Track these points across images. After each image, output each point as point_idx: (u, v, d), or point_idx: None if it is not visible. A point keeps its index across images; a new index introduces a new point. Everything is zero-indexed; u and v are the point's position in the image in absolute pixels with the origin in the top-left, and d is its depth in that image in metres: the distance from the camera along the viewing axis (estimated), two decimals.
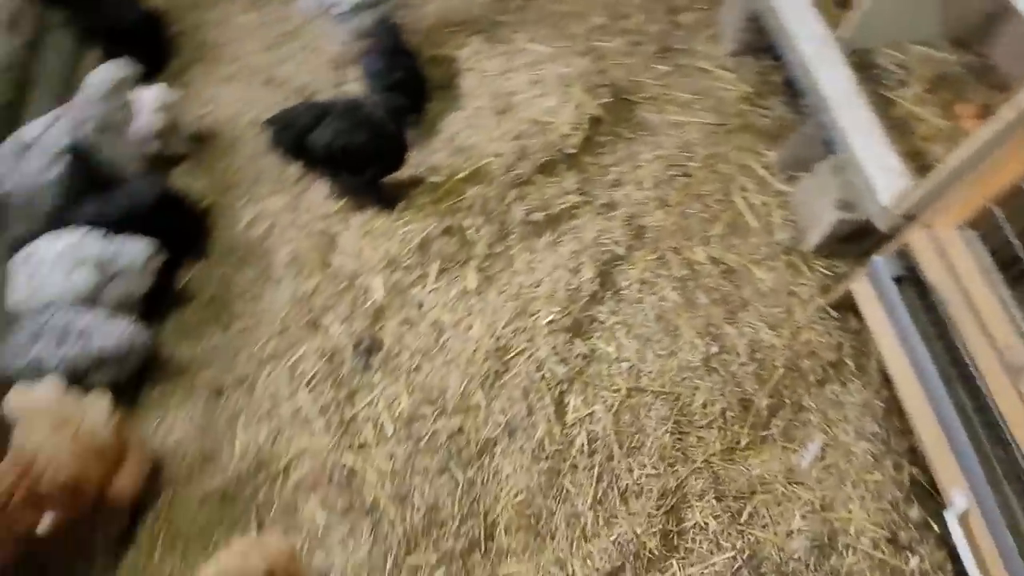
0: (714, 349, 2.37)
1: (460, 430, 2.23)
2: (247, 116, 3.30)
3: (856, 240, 2.50)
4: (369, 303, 2.53)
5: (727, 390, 2.28)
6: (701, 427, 2.22)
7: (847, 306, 2.39)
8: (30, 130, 2.59)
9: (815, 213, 2.56)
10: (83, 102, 2.63)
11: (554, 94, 3.07)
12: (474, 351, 2.37)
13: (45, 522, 1.82)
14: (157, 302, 2.57)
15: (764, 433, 2.21)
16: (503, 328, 2.42)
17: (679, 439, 2.20)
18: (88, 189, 2.59)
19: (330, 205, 2.88)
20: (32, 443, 1.79)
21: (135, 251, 2.37)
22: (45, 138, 2.55)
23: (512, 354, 2.37)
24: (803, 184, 2.69)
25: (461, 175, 2.88)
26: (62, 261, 2.23)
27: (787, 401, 2.26)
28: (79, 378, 2.14)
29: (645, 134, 3.09)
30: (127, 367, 2.27)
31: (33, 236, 2.38)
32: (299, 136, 2.52)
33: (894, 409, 2.19)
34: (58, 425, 1.81)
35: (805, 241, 2.63)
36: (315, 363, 2.42)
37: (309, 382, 2.38)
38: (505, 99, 3.15)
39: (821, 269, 2.58)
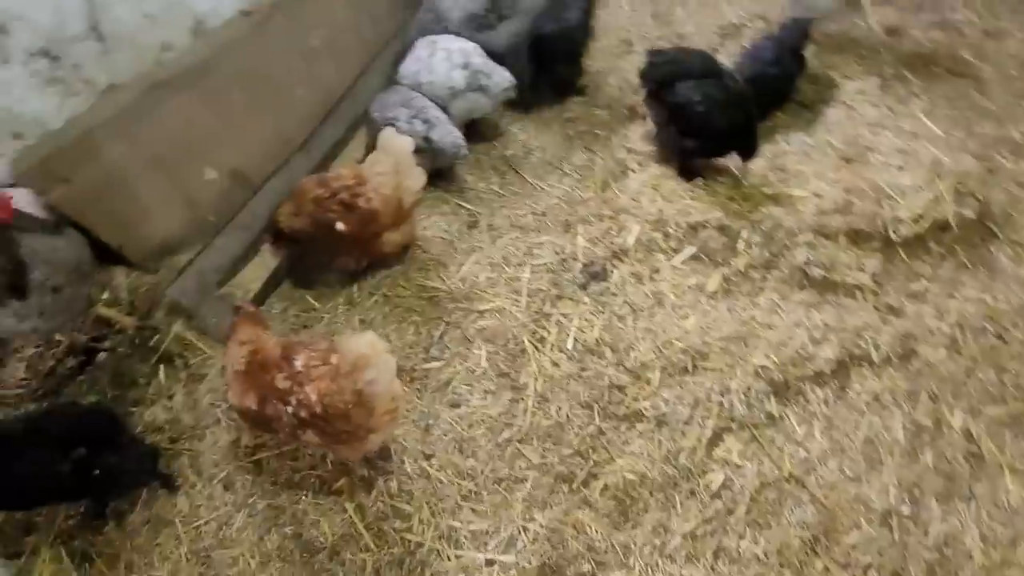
0: (904, 510, 2.10)
1: (622, 388, 2.31)
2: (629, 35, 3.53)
3: None
4: (619, 240, 2.66)
5: (888, 553, 2.03)
6: (837, 562, 2.02)
7: None
8: None
9: None
10: None
11: (916, 175, 2.77)
12: (677, 338, 2.39)
13: (341, 226, 2.35)
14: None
15: None
16: (714, 337, 2.40)
17: (808, 553, 2.03)
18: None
19: (641, 144, 3.00)
20: (373, 168, 2.30)
21: (502, 79, 2.80)
22: None
23: (708, 365, 2.35)
24: None
25: (769, 190, 2.79)
26: (452, 57, 2.73)
27: None
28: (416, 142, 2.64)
29: (984, 272, 2.66)
30: (441, 163, 2.75)
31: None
32: (671, 77, 2.64)
33: None
34: (393, 171, 2.30)
35: None
36: (548, 255, 2.65)
37: (535, 266, 2.62)
38: (860, 150, 2.92)
39: None
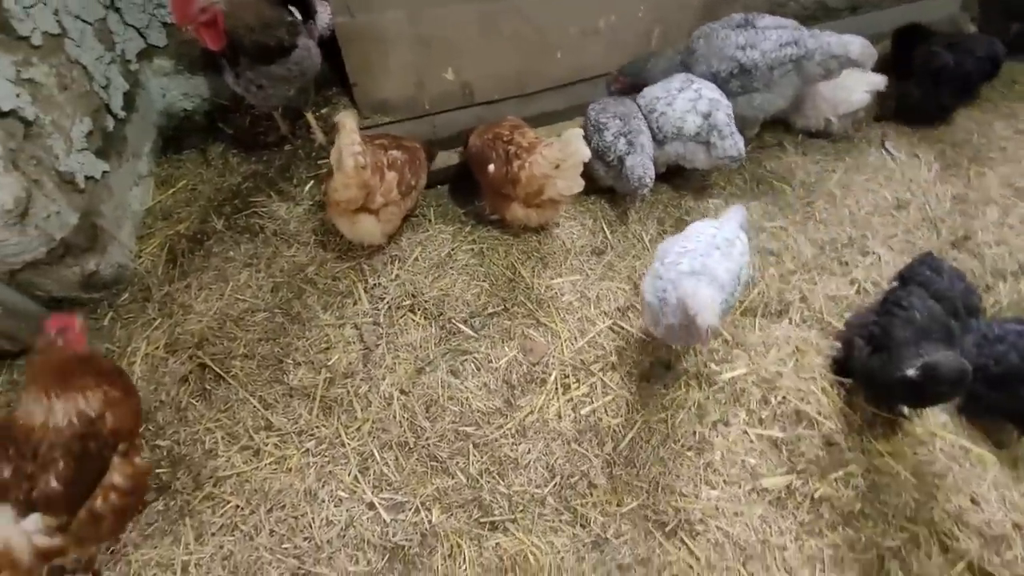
0: None
1: (594, 486, 2.11)
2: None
3: None
4: (716, 369, 2.33)
5: None
6: None
7: None
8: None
9: None
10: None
11: None
12: (683, 493, 2.07)
13: (491, 167, 2.50)
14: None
15: None
16: (722, 537, 2.02)
17: None
18: None
19: (830, 305, 2.54)
20: (541, 148, 2.40)
21: (732, 147, 2.56)
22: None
23: (688, 542, 2.00)
24: None
25: (935, 468, 2.17)
26: (699, 104, 2.60)
27: None
28: (596, 156, 2.65)
29: None
30: (619, 187, 2.74)
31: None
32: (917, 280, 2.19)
33: None
34: (553, 163, 2.36)
35: None
36: (636, 327, 2.45)
37: (616, 326, 2.45)
38: None
39: None
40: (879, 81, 2.96)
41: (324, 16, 2.85)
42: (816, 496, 2.10)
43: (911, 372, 1.91)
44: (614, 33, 3.06)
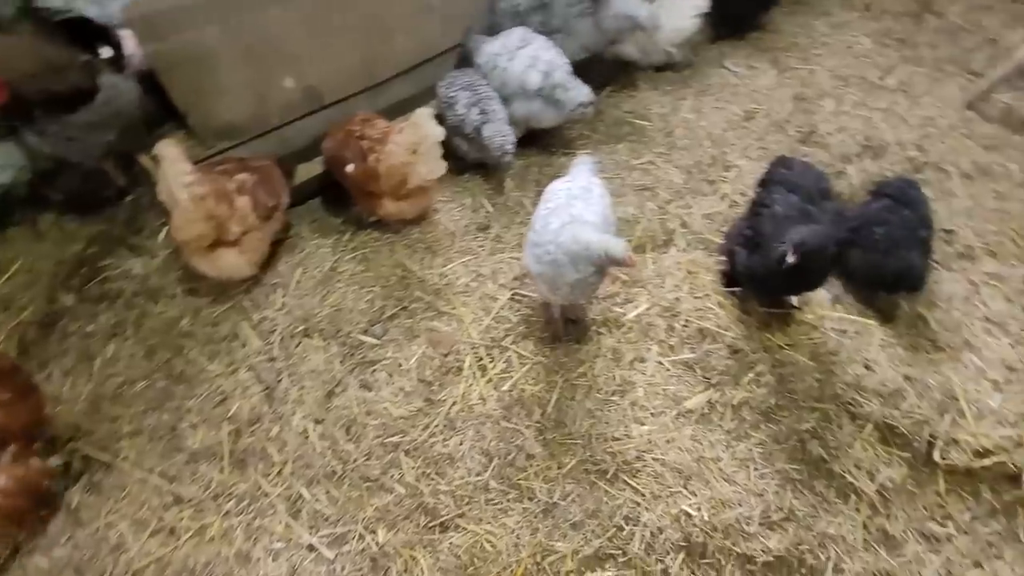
0: None
1: (531, 457, 2.10)
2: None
3: None
4: (618, 310, 2.38)
5: None
6: None
7: None
8: None
9: None
10: None
11: (1013, 402, 2.16)
12: (616, 437, 2.11)
13: (350, 167, 2.38)
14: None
15: None
16: (656, 456, 2.07)
17: None
18: None
19: (702, 221, 2.66)
20: (394, 136, 2.28)
21: (579, 94, 2.62)
22: None
23: (632, 482, 2.05)
24: None
25: (815, 337, 2.34)
26: (537, 64, 2.61)
27: None
28: (455, 133, 2.59)
29: None
30: (485, 158, 2.68)
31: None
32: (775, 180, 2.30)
33: None
34: (409, 148, 2.28)
35: None
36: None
37: (518, 295, 2.45)
38: (959, 341, 2.34)
39: None
40: (703, 4, 3.10)
41: (130, 45, 2.57)
42: (735, 403, 2.21)
43: (791, 258, 2.03)
44: (447, 6, 3.00)
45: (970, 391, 2.18)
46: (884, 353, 2.30)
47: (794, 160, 2.40)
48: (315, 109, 2.96)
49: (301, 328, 2.36)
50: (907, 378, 2.23)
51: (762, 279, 2.23)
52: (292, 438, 2.13)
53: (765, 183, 2.38)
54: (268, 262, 2.50)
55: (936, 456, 2.07)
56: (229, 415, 2.18)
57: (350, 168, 2.36)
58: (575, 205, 1.98)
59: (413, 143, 2.25)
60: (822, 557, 1.94)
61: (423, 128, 2.21)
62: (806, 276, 2.14)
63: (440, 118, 2.30)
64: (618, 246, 1.82)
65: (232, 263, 2.17)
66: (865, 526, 2.01)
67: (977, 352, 2.29)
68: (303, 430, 2.15)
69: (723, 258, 2.50)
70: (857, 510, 2.03)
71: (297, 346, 2.33)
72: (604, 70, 3.39)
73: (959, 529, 2.04)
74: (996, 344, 2.32)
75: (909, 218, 2.31)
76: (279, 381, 2.25)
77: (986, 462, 2.04)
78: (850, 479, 2.06)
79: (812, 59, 3.41)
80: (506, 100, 2.66)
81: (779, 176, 2.33)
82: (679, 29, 3.11)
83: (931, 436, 2.10)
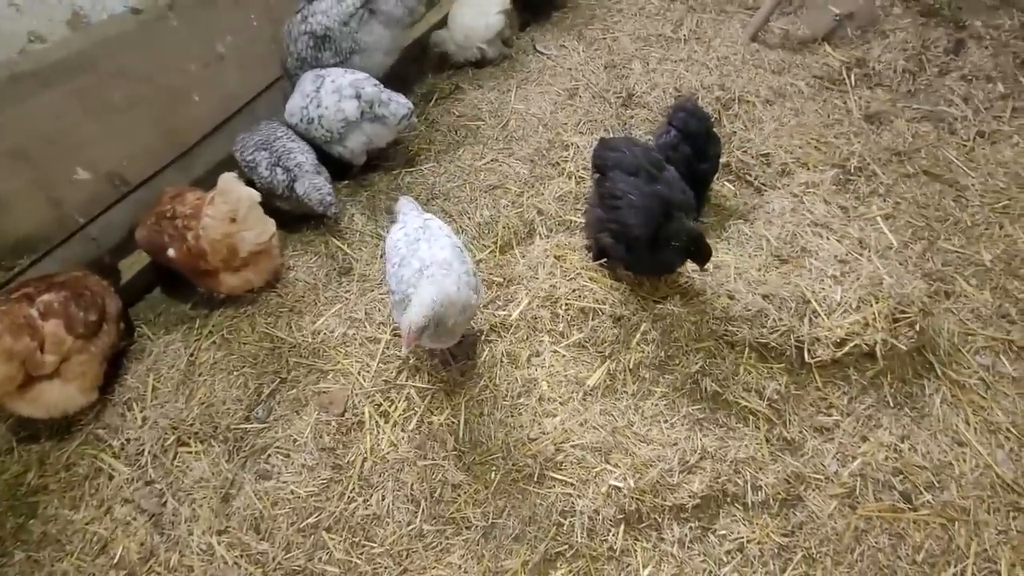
0: None
1: (456, 487, 2.06)
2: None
3: None
4: (502, 312, 2.39)
5: None
6: None
7: None
8: None
9: None
10: None
11: (850, 291, 2.43)
12: (533, 438, 2.12)
13: (171, 252, 2.16)
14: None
15: None
16: (574, 444, 2.11)
17: None
18: None
19: (557, 206, 2.73)
20: (206, 209, 2.09)
21: (399, 106, 2.56)
22: None
23: (558, 476, 2.07)
24: None
25: (681, 282, 2.50)
26: (342, 90, 2.49)
27: None
28: (270, 195, 2.45)
29: (909, 414, 2.32)
30: (303, 210, 2.54)
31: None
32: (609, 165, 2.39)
33: None
34: (225, 218, 2.11)
35: None
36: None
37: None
38: (796, 251, 2.60)
39: None
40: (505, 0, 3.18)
41: None
42: (631, 366, 2.30)
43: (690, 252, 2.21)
44: (239, 53, 2.80)
45: (817, 291, 2.43)
46: (741, 280, 2.50)
47: (618, 141, 2.50)
48: (124, 195, 2.66)
49: (172, 438, 2.11)
50: (765, 296, 2.44)
51: (654, 267, 2.41)
52: (197, 561, 1.92)
53: (600, 168, 2.45)
54: (112, 379, 2.22)
55: (807, 357, 2.30)
56: (115, 562, 1.91)
57: (172, 252, 2.14)
58: (420, 247, 1.96)
59: (229, 211, 2.08)
60: (740, 482, 2.09)
61: (233, 193, 2.06)
62: (698, 251, 2.25)
63: (250, 181, 2.15)
64: (405, 318, 1.80)
65: (59, 397, 1.88)
66: (767, 440, 2.20)
67: (814, 255, 2.56)
68: (207, 547, 1.94)
69: (595, 251, 2.55)
70: (757, 428, 2.21)
71: (174, 459, 2.09)
72: (423, 79, 3.38)
73: (842, 413, 2.29)
74: (827, 244, 2.61)
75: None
76: (164, 504, 2.01)
77: (846, 349, 2.30)
78: (744, 403, 2.24)
79: (612, 27, 3.61)
80: (341, 139, 2.55)
81: (613, 160, 2.41)
82: (487, 26, 3.15)
83: (797, 341, 2.32)
